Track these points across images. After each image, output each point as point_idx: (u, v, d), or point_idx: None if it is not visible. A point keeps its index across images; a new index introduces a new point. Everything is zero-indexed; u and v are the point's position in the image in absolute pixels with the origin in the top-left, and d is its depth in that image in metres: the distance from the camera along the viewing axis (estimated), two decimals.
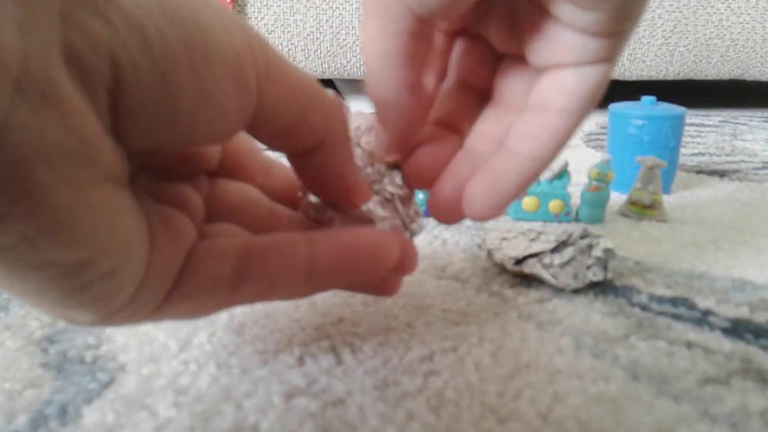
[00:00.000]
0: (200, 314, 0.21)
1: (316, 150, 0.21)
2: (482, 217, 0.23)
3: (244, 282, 0.20)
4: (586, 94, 0.21)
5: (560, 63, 0.21)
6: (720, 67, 0.98)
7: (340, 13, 0.92)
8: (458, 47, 0.26)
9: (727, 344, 0.30)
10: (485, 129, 0.25)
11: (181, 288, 0.19)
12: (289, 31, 0.92)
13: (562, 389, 0.26)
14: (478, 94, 0.26)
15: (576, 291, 0.35)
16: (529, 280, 0.37)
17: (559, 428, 0.24)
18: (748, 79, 1.01)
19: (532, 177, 0.22)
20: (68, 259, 0.15)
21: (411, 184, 0.25)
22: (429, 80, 0.26)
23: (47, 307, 0.16)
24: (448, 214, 0.24)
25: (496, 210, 0.22)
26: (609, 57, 0.21)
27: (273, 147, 0.21)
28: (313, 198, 0.24)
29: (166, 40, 0.15)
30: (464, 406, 0.25)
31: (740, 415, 0.24)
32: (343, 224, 0.24)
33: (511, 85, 0.24)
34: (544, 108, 0.22)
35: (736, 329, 0.31)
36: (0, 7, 0.12)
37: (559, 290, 0.36)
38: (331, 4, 0.91)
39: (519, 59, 0.24)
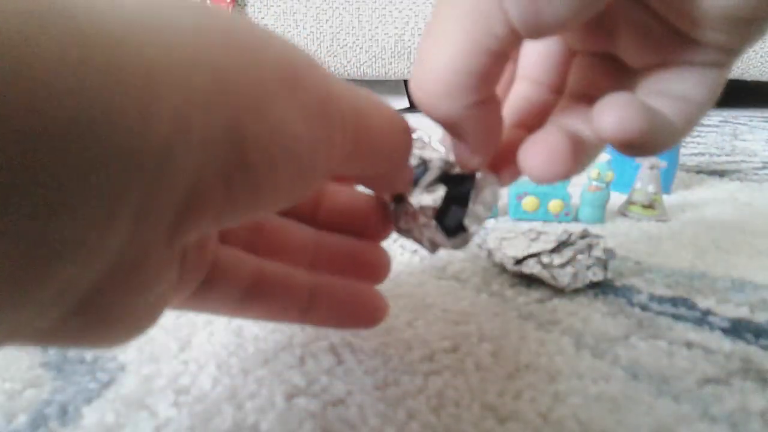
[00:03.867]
0: (204, 312, 0.24)
1: (377, 179, 0.22)
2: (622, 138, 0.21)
3: (250, 303, 0.23)
4: (709, 97, 0.21)
5: (677, 62, 0.21)
6: None
7: (340, 13, 0.92)
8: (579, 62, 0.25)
9: (727, 344, 0.30)
10: None
11: (200, 295, 0.21)
12: (289, 31, 0.92)
13: (562, 389, 0.26)
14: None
15: (576, 291, 0.35)
16: (529, 280, 0.37)
17: (559, 428, 0.24)
18: (748, 79, 1.01)
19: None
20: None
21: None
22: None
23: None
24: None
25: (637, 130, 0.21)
26: (728, 63, 0.21)
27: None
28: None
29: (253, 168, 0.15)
30: (464, 406, 0.25)
31: (740, 415, 0.24)
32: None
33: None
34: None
35: (736, 329, 0.31)
36: (122, 203, 0.13)
37: (559, 290, 0.36)
38: (331, 4, 0.91)
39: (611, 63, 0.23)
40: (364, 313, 0.26)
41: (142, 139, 0.12)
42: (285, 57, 0.16)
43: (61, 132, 0.11)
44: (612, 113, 0.19)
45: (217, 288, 0.22)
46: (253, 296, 0.23)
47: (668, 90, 0.21)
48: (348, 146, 0.18)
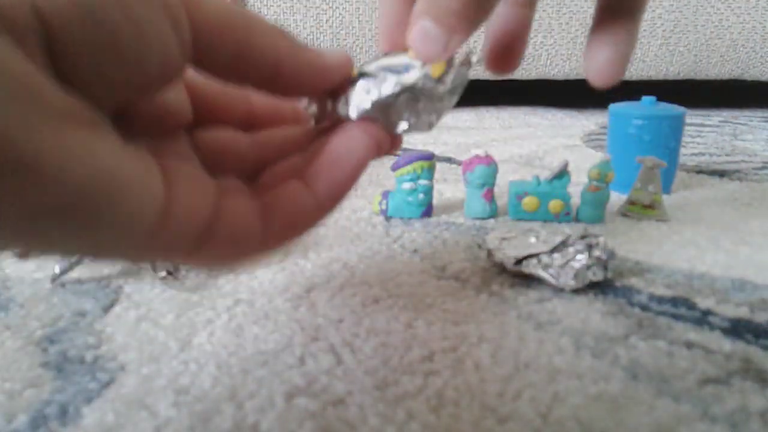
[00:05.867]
0: (239, 260, 0.22)
1: (278, 71, 0.21)
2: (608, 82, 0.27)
3: (268, 230, 0.21)
4: None
5: None
6: (720, 67, 0.98)
7: (340, 13, 0.92)
8: None
9: (727, 344, 0.30)
10: None
11: (216, 236, 0.20)
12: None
13: (562, 389, 0.26)
14: None
15: (576, 291, 0.35)
16: (529, 280, 0.37)
17: (559, 428, 0.24)
18: (748, 79, 1.01)
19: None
20: (52, 201, 0.15)
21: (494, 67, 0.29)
22: None
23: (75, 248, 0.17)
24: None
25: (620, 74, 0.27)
26: None
27: (233, 81, 0.21)
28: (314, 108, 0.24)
29: None
30: (464, 406, 0.25)
31: (740, 415, 0.24)
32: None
33: None
34: None
35: (736, 329, 0.31)
36: None
37: (559, 290, 0.36)
38: (331, 4, 0.91)
39: None
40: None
41: None
42: None
43: None
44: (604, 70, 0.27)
45: (233, 223, 0.21)
46: (269, 221, 0.21)
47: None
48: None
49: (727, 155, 0.74)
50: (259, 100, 0.26)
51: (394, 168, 0.48)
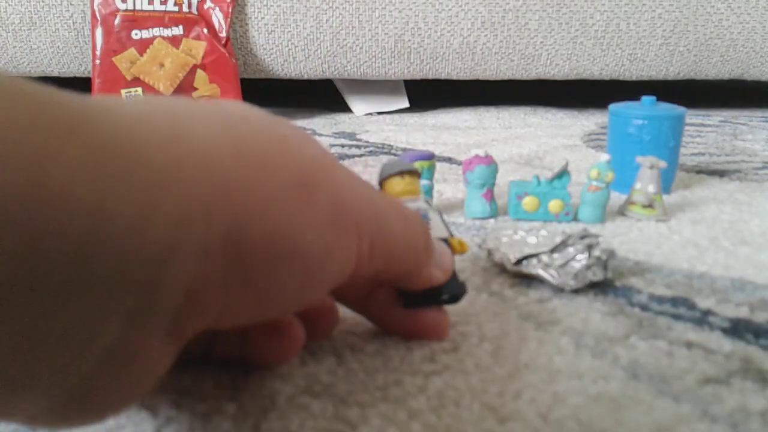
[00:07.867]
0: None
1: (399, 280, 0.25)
2: None
3: None
4: None
5: None
6: (720, 67, 0.98)
7: (340, 13, 0.92)
8: None
9: (727, 344, 0.30)
10: None
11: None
12: (289, 31, 0.92)
13: (562, 389, 0.26)
14: None
15: (576, 291, 0.35)
16: (529, 280, 0.37)
17: (559, 428, 0.24)
18: (748, 79, 1.01)
19: None
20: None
21: None
22: None
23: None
24: None
25: None
26: None
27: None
28: None
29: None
30: (465, 406, 0.25)
31: (740, 415, 0.24)
32: None
33: None
34: None
35: (736, 329, 0.31)
36: (116, 302, 0.13)
37: (559, 290, 0.36)
38: (331, 4, 0.91)
39: None
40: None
41: (138, 248, 0.13)
42: (297, 165, 0.17)
43: (64, 245, 0.12)
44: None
45: None
46: None
47: None
48: (366, 251, 0.19)
49: (727, 155, 0.74)
50: None
51: None
